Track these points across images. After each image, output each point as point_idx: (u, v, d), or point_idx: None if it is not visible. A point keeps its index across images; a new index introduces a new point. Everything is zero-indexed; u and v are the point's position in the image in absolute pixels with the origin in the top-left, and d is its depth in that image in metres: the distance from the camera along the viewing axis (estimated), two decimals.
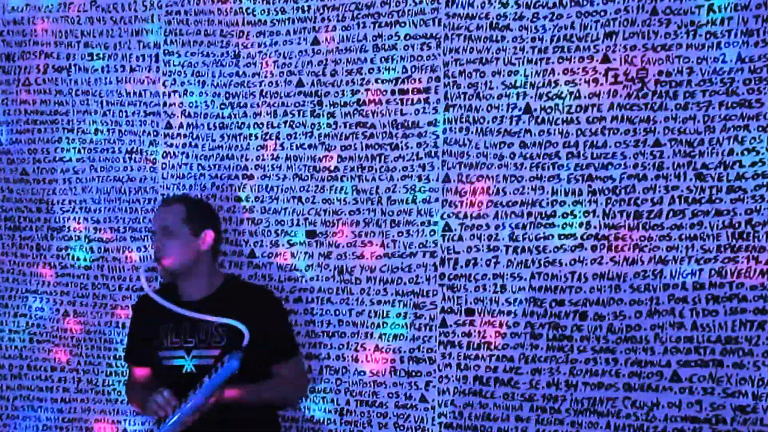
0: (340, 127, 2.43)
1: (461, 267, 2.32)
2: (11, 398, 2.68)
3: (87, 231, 2.60)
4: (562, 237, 2.25)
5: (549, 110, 2.26)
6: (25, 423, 2.66)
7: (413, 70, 2.37)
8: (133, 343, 2.29)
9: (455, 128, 2.33)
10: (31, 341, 2.65)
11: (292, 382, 2.22)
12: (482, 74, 2.31)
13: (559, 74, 2.25)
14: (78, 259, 2.60)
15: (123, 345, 2.54)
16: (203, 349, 2.09)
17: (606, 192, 2.21)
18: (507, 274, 2.29)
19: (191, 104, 2.54)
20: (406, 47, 2.37)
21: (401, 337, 2.37)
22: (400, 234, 2.38)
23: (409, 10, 2.36)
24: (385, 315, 2.39)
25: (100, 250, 2.60)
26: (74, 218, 2.61)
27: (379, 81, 2.40)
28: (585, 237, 2.23)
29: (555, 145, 2.25)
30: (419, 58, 2.36)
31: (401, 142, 2.38)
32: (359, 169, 2.41)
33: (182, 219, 2.14)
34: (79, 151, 2.61)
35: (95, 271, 2.60)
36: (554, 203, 2.26)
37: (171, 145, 2.56)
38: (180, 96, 2.55)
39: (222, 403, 1.95)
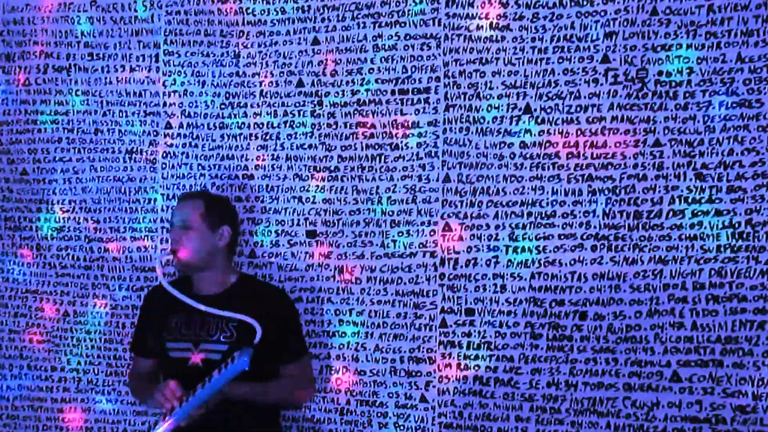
0: (340, 127, 2.43)
1: (461, 267, 2.32)
2: (11, 398, 2.68)
3: (87, 231, 2.60)
4: (562, 237, 2.25)
5: (549, 110, 2.26)
6: (25, 423, 2.66)
7: (413, 70, 2.37)
8: (141, 334, 2.28)
9: (455, 128, 2.33)
10: (31, 341, 2.65)
11: (299, 383, 2.22)
12: (482, 74, 2.31)
13: (559, 74, 2.25)
14: (78, 259, 2.61)
15: (123, 345, 2.55)
16: (212, 343, 2.09)
17: (606, 192, 2.21)
18: (507, 274, 2.29)
19: (191, 104, 2.54)
20: (406, 47, 2.37)
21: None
22: (400, 234, 2.38)
23: (409, 10, 2.37)
24: (385, 315, 2.39)
25: (100, 250, 2.60)
26: (74, 218, 2.61)
27: (379, 81, 2.40)
28: (585, 237, 2.23)
29: (555, 145, 2.25)
30: (419, 58, 2.36)
31: (401, 142, 2.38)
32: (359, 169, 2.42)
33: (201, 214, 2.15)
34: (79, 151, 2.61)
35: (95, 271, 2.60)
36: (554, 203, 2.26)
37: (171, 145, 2.56)
38: (180, 96, 2.55)
39: (227, 400, 1.95)
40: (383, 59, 2.39)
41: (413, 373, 2.37)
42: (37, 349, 2.65)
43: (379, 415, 2.40)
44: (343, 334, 2.42)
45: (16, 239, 2.66)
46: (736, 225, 2.12)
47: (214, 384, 1.88)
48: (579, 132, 2.24)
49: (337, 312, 2.43)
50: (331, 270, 2.44)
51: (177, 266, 2.20)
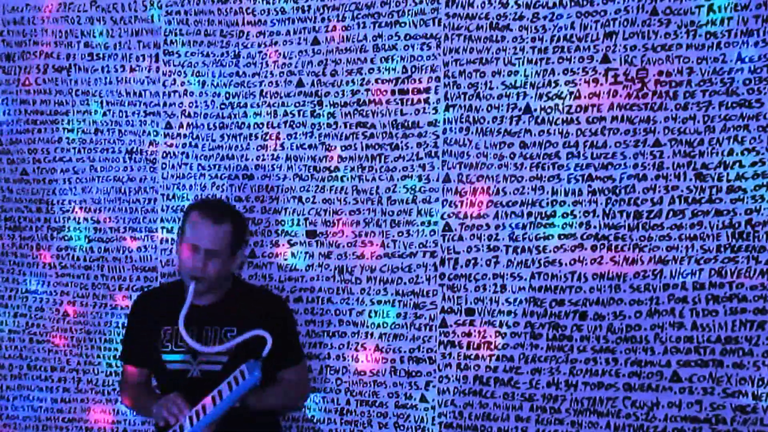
0: (340, 127, 2.43)
1: (461, 267, 2.32)
2: (11, 398, 2.68)
3: (87, 231, 2.60)
4: (562, 237, 2.25)
5: (549, 110, 2.26)
6: (25, 423, 2.66)
7: (413, 70, 2.37)
8: (132, 343, 2.23)
9: (455, 128, 2.33)
10: (31, 341, 2.65)
11: (295, 388, 2.21)
12: (482, 74, 2.31)
13: (559, 74, 2.25)
14: (78, 259, 2.61)
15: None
16: (211, 354, 2.04)
17: (606, 192, 2.21)
18: (507, 274, 2.29)
19: (191, 104, 2.54)
20: (406, 47, 2.37)
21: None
22: (400, 234, 2.38)
23: (409, 10, 2.36)
24: (385, 315, 2.39)
25: (100, 250, 2.60)
26: (74, 218, 2.61)
27: (379, 81, 2.40)
28: (585, 237, 2.23)
29: (555, 145, 2.25)
30: (419, 58, 2.36)
31: (401, 142, 2.38)
32: (359, 169, 2.41)
33: (228, 242, 2.07)
34: (79, 151, 2.61)
35: (95, 271, 2.60)
36: (554, 203, 2.26)
37: (171, 145, 2.56)
38: (180, 96, 2.55)
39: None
40: (383, 59, 2.39)
41: (413, 373, 2.37)
42: (37, 349, 2.65)
43: (379, 415, 2.40)
44: (343, 335, 2.43)
45: (16, 239, 2.66)
46: (736, 225, 2.12)
47: (226, 401, 1.83)
48: (579, 132, 2.24)
49: (337, 312, 2.43)
50: (331, 270, 2.44)
51: (196, 289, 2.04)
